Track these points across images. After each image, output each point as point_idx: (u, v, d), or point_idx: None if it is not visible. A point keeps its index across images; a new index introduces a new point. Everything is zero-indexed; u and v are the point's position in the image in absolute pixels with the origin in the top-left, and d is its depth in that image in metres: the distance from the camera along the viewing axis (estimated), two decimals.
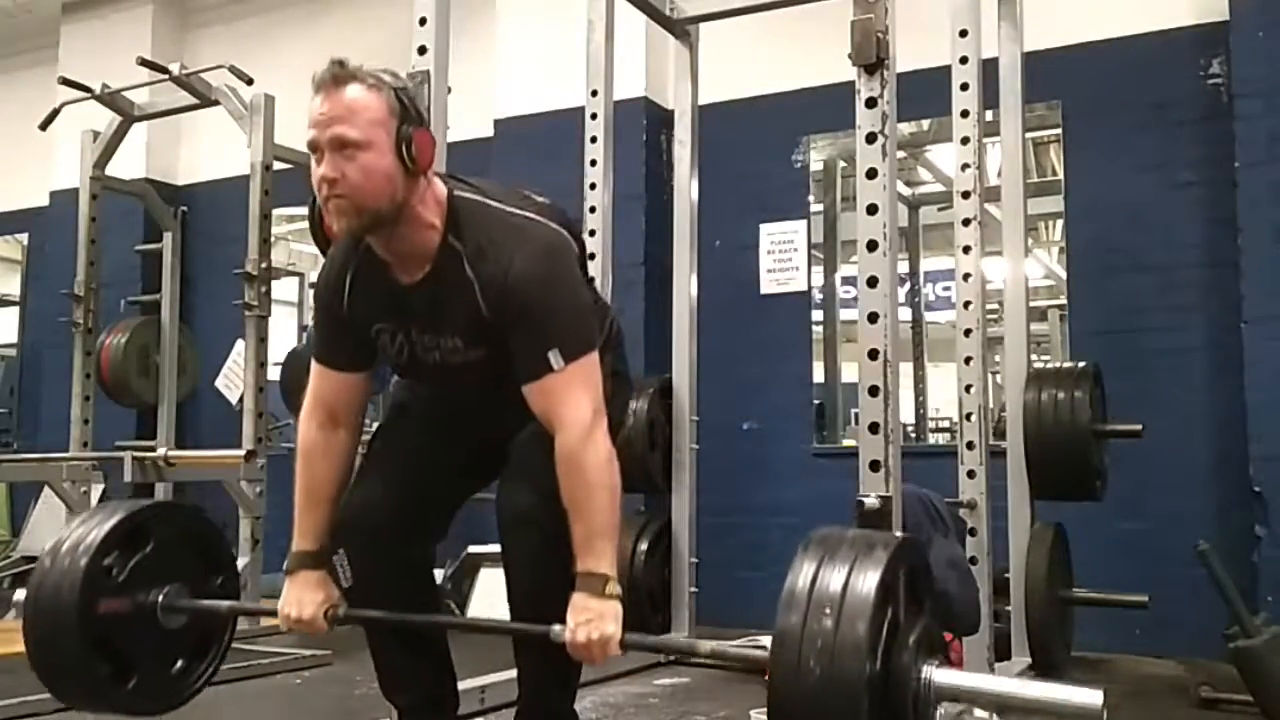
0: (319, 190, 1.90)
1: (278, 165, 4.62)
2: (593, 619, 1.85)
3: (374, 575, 2.10)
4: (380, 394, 3.69)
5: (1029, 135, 4.18)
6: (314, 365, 2.14)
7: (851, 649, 1.52)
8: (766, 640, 3.69)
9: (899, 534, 1.81)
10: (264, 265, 4.39)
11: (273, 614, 2.14)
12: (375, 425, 2.29)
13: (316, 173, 1.89)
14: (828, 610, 1.55)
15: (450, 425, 2.16)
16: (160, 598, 2.19)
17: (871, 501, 2.15)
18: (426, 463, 2.12)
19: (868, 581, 1.56)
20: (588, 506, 1.88)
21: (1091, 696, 1.60)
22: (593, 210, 3.58)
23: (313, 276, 6.37)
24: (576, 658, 1.92)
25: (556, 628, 1.87)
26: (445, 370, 2.06)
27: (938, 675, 1.65)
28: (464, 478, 2.21)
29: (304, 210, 4.84)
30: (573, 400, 1.91)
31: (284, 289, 6.01)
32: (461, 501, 2.22)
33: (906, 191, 5.40)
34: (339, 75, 1.89)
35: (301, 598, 2.09)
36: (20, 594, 4.87)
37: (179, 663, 2.27)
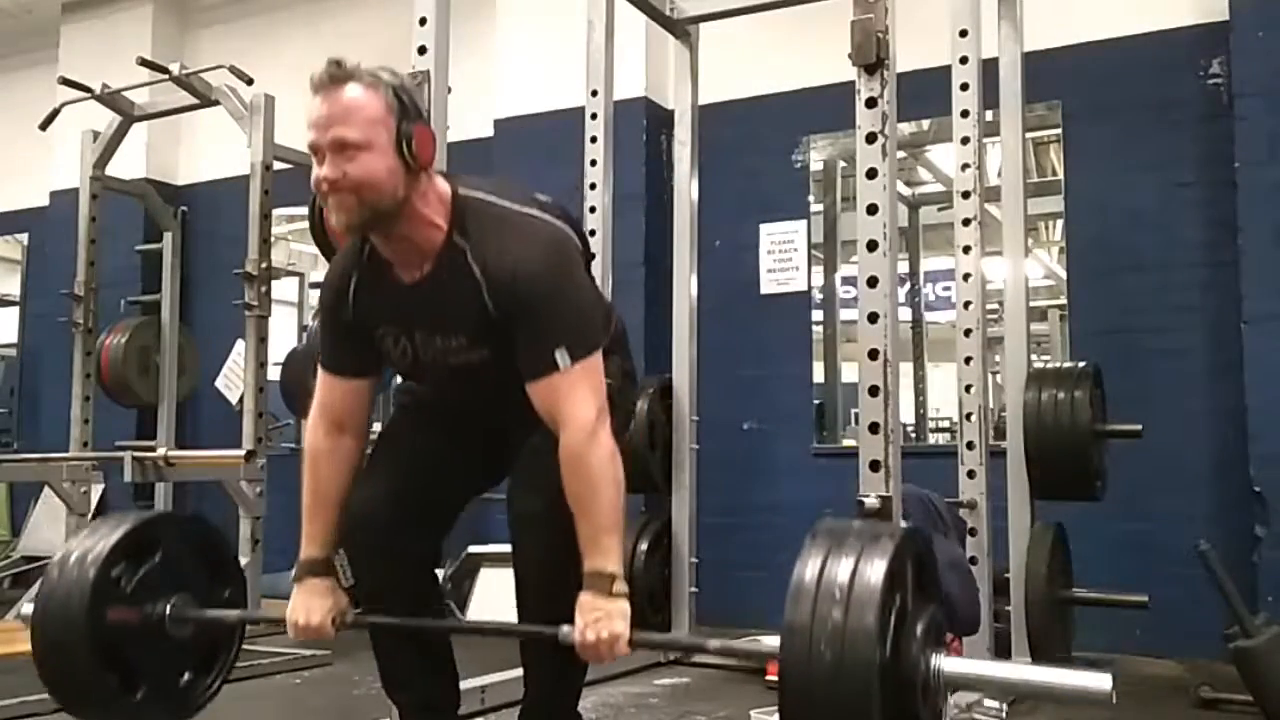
0: (319, 190, 1.91)
1: (278, 165, 4.62)
2: (601, 618, 1.85)
3: (375, 573, 2.10)
4: (382, 395, 3.69)
5: (1029, 135, 4.18)
6: (320, 373, 2.15)
7: (862, 636, 1.53)
8: (767, 640, 3.69)
9: (904, 525, 1.81)
10: (264, 265, 4.39)
11: (281, 623, 2.14)
12: (379, 426, 2.30)
13: (317, 173, 1.89)
14: (837, 597, 1.56)
15: (454, 425, 2.16)
16: (168, 608, 2.19)
17: (871, 501, 2.15)
18: (429, 463, 2.13)
19: (875, 570, 1.58)
20: (593, 505, 1.88)
21: (1100, 680, 1.62)
22: (593, 210, 3.59)
23: (313, 276, 6.37)
24: (585, 658, 1.92)
25: (565, 629, 1.87)
26: (449, 371, 2.06)
27: (946, 664, 1.66)
28: (467, 477, 2.21)
29: (304, 210, 4.84)
30: (577, 399, 1.91)
31: (284, 289, 6.01)
32: (465, 501, 2.23)
33: (906, 191, 5.40)
34: (336, 75, 1.89)
35: (310, 605, 2.09)
36: (22, 598, 4.87)
37: (187, 674, 2.27)
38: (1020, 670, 1.76)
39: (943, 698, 1.68)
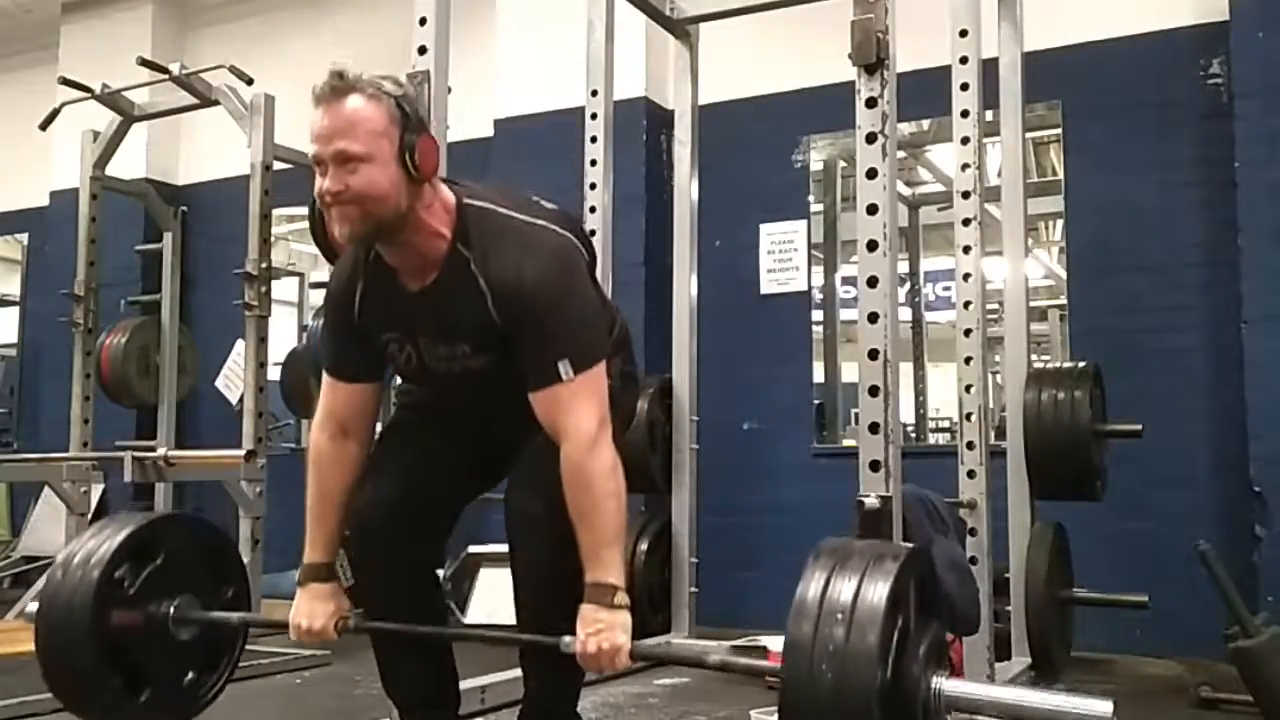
0: (323, 202, 1.91)
1: (278, 165, 4.61)
2: (603, 629, 1.87)
3: (376, 574, 2.10)
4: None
5: (1029, 135, 4.18)
6: (325, 378, 2.15)
7: (864, 657, 1.54)
8: (766, 640, 3.70)
9: (908, 545, 1.82)
10: (264, 265, 4.39)
11: (284, 626, 2.14)
12: (380, 428, 2.30)
13: (320, 185, 1.89)
14: (839, 617, 1.57)
15: (454, 428, 2.17)
16: (172, 609, 2.21)
17: (871, 501, 2.15)
18: (429, 464, 2.13)
19: (878, 591, 1.59)
20: (594, 517, 1.89)
21: (1101, 706, 1.61)
22: (593, 210, 3.58)
23: (313, 276, 6.38)
24: (586, 668, 1.93)
25: (566, 639, 1.89)
26: (452, 378, 2.06)
27: (947, 685, 1.66)
28: (467, 479, 2.21)
29: (304, 210, 4.85)
30: (579, 410, 1.91)
31: (284, 289, 6.01)
32: (464, 503, 2.22)
33: (906, 191, 5.40)
34: (338, 87, 1.88)
35: (313, 609, 2.10)
36: (23, 597, 4.87)
37: (190, 674, 2.29)
38: (1021, 694, 1.76)
39: (943, 719, 1.69)
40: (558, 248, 1.99)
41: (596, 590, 1.89)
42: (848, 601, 1.58)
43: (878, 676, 1.54)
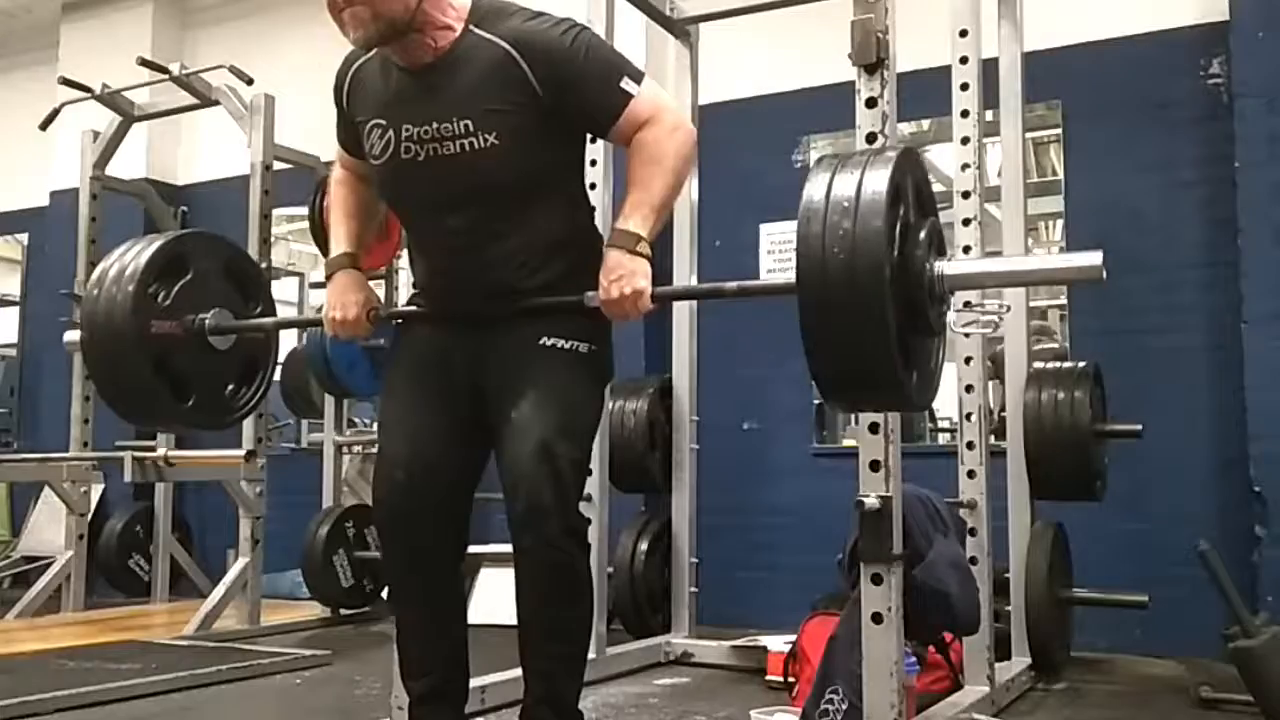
0: (333, 6, 1.98)
1: (278, 165, 4.62)
2: (625, 275, 1.95)
3: (403, 560, 2.12)
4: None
5: (1029, 135, 4.18)
6: (338, 153, 2.27)
7: (872, 238, 1.67)
8: (767, 640, 3.70)
9: (901, 146, 1.92)
10: (264, 265, 4.39)
11: (318, 323, 2.27)
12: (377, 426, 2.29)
13: None
14: (846, 207, 1.69)
15: (439, 387, 2.12)
16: (207, 319, 2.34)
17: (871, 501, 2.15)
18: (432, 434, 2.11)
19: (879, 183, 1.71)
20: (653, 180, 1.99)
21: (1091, 258, 1.76)
22: (593, 210, 3.58)
23: (313, 276, 6.38)
24: (610, 314, 2.00)
25: (590, 294, 1.98)
26: (431, 169, 2.04)
27: (948, 266, 1.82)
28: (468, 447, 2.16)
29: (304, 210, 4.85)
30: (659, 105, 2.03)
31: (284, 289, 6.01)
32: (476, 473, 2.19)
33: None
34: None
35: (345, 300, 2.17)
36: (23, 597, 4.87)
37: (230, 385, 2.45)
38: (1016, 262, 1.93)
39: (947, 300, 1.84)
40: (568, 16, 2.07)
41: (622, 235, 1.98)
42: (851, 195, 1.70)
43: (886, 256, 1.66)
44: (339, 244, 2.23)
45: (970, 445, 3.25)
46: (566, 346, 2.06)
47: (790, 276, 1.76)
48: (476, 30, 2.03)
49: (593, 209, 2.32)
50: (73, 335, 2.32)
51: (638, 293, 1.95)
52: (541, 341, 2.05)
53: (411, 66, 2.05)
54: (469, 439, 2.15)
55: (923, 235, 1.79)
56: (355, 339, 2.28)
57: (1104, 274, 1.74)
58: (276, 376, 5.29)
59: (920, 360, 1.84)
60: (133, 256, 2.29)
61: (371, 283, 5.86)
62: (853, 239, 1.66)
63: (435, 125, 2.02)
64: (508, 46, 1.99)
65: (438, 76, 2.03)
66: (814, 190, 1.74)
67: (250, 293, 2.49)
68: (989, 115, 3.66)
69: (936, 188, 5.90)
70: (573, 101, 2.01)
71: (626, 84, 2.00)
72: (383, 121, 2.08)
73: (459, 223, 2.07)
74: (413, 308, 2.25)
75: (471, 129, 2.00)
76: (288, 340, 5.86)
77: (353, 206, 2.26)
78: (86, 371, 4.96)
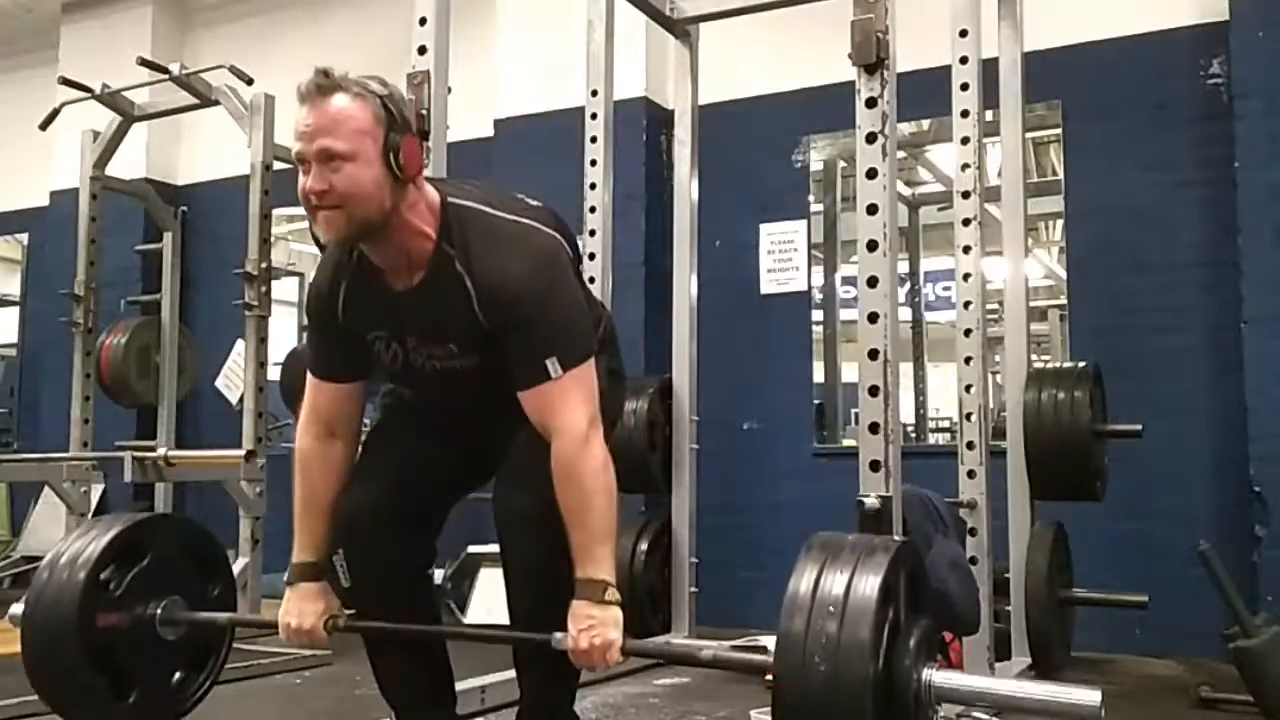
0: (306, 202, 1.90)
1: (278, 165, 4.61)
2: (594, 625, 1.87)
3: (372, 575, 2.10)
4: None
5: (1029, 135, 4.18)
6: (309, 379, 2.15)
7: (856, 650, 1.56)
8: (766, 639, 3.68)
9: (898, 538, 1.83)
10: (264, 265, 4.39)
11: (272, 626, 2.14)
12: (369, 426, 2.29)
13: (303, 184, 1.89)
14: (831, 610, 1.59)
15: (441, 427, 2.16)
16: (159, 610, 2.21)
17: (871, 501, 2.15)
18: (416, 465, 2.13)
19: (869, 584, 1.60)
20: (585, 514, 1.89)
21: (1089, 696, 1.62)
22: (593, 210, 3.58)
23: (312, 276, 6.36)
24: (578, 665, 1.93)
25: (558, 636, 1.89)
26: (439, 377, 2.06)
27: (937, 677, 1.68)
28: (456, 478, 2.21)
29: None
30: (569, 408, 1.91)
31: (284, 289, 6.00)
32: (453, 502, 2.22)
33: (906, 191, 5.40)
34: (324, 85, 1.89)
35: (302, 609, 2.09)
36: (18, 607, 4.87)
37: (178, 674, 2.29)
38: (1010, 685, 1.78)
39: (934, 710, 1.71)
40: (542, 246, 1.98)
41: (587, 586, 1.89)
42: (839, 595, 1.60)
43: (870, 669, 1.55)
44: (301, 551, 2.12)
45: (970, 445, 3.25)
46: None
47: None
48: (448, 249, 1.97)
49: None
50: (18, 609, 2.21)
51: (607, 644, 1.88)
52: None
53: (396, 285, 2.01)
54: (454, 471, 2.19)
55: (913, 642, 1.67)
56: (311, 648, 2.23)
57: (1103, 711, 1.65)
58: (276, 377, 5.34)
59: None
60: (90, 541, 2.18)
61: None
62: (836, 647, 1.56)
63: (431, 346, 2.04)
64: (469, 287, 1.95)
65: (421, 300, 2.00)
66: (800, 584, 1.64)
67: (210, 573, 2.37)
68: (989, 115, 3.66)
69: (937, 188, 5.87)
70: (504, 348, 1.97)
71: (551, 364, 1.92)
72: (383, 334, 2.07)
73: (460, 406, 2.13)
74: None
75: (455, 352, 2.02)
76: (288, 340, 5.87)
77: (319, 496, 2.11)
78: (86, 371, 4.96)
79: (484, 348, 1.98)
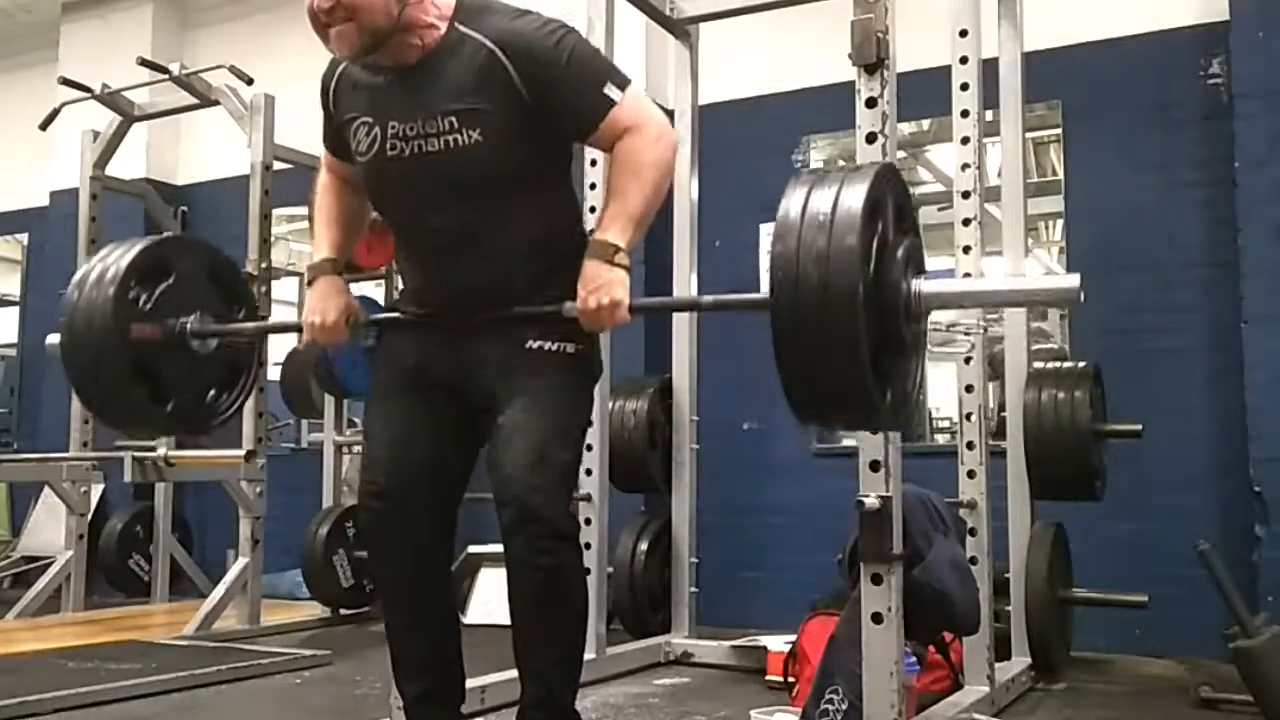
0: (316, 21, 1.95)
1: (278, 165, 4.62)
2: (602, 285, 1.94)
3: (390, 560, 2.12)
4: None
5: (1029, 135, 4.18)
6: (324, 154, 2.26)
7: (846, 257, 1.62)
8: (766, 640, 3.69)
9: (882, 161, 1.90)
10: (264, 265, 4.39)
11: (298, 329, 2.27)
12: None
13: (312, 2, 1.94)
14: (821, 223, 1.65)
15: (428, 391, 2.12)
16: (189, 324, 2.31)
17: (871, 501, 2.15)
18: (420, 436, 2.11)
19: (856, 199, 1.66)
20: (630, 191, 1.98)
21: (1069, 280, 1.72)
22: (593, 210, 3.58)
23: None
24: (587, 326, 1.99)
25: (568, 305, 1.96)
26: (420, 173, 2.04)
27: (926, 285, 1.77)
28: (456, 447, 2.17)
29: (304, 210, 4.85)
30: (642, 114, 2.02)
31: (284, 289, 6.01)
32: (465, 473, 2.19)
33: None
34: None
35: (325, 305, 2.15)
36: (23, 597, 4.87)
37: (211, 390, 2.41)
38: (994, 282, 1.88)
39: (924, 319, 1.80)
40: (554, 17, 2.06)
41: (599, 246, 1.96)
42: (827, 210, 1.66)
43: (860, 278, 1.62)
44: (321, 249, 2.21)
45: (970, 445, 3.25)
46: (553, 348, 2.05)
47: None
48: (462, 28, 2.02)
49: (580, 214, 2.31)
50: (54, 339, 2.29)
51: (615, 303, 1.94)
52: (529, 345, 2.04)
53: (398, 66, 2.04)
54: (456, 438, 2.15)
55: (900, 253, 1.74)
56: (334, 345, 2.24)
57: (1082, 296, 1.71)
58: (276, 377, 5.34)
59: (895, 380, 1.78)
60: (114, 259, 2.25)
61: (371, 283, 5.85)
62: (827, 257, 1.62)
63: (420, 122, 2.02)
64: (492, 45, 1.98)
65: (423, 75, 2.02)
66: (790, 205, 1.70)
67: (234, 297, 2.45)
68: (989, 115, 3.66)
69: (936, 188, 5.89)
70: (555, 104, 2.00)
71: (610, 90, 2.00)
72: (369, 119, 2.08)
73: (441, 222, 2.07)
74: (395, 314, 2.24)
75: (455, 125, 2.00)
76: (287, 340, 5.87)
77: (336, 213, 2.24)
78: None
79: (493, 116, 1.98)
